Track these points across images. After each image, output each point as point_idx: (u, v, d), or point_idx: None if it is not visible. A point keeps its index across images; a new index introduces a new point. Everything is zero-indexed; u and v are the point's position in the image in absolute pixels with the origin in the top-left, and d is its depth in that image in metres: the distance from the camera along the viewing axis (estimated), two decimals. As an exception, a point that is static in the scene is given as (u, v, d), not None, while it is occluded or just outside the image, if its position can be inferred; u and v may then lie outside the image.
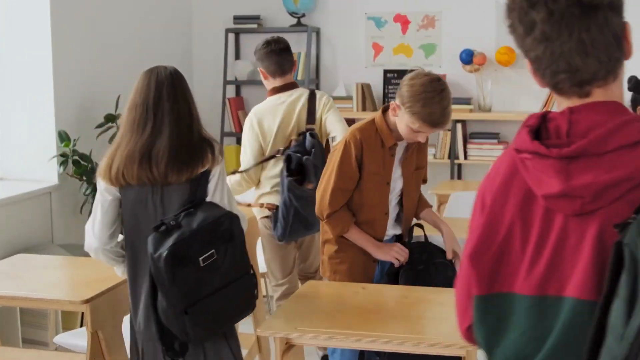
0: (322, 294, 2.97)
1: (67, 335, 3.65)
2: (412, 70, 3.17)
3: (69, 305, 2.85)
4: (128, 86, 5.67)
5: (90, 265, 3.37)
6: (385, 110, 3.25)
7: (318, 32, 6.61)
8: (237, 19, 6.63)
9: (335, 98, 6.42)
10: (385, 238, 3.31)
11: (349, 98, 6.39)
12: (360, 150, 3.16)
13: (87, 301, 2.78)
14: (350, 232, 3.22)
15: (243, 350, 4.25)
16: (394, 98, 6.28)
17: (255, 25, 6.58)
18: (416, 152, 3.35)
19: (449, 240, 3.32)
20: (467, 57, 6.12)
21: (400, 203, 3.35)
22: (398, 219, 3.38)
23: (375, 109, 6.43)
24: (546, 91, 6.03)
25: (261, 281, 4.62)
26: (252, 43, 6.74)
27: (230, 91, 6.76)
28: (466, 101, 6.19)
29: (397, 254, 3.21)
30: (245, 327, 4.42)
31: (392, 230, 3.35)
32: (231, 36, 6.72)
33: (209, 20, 6.82)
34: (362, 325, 2.58)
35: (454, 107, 6.07)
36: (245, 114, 6.69)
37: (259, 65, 4.28)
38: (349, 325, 2.57)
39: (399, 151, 3.29)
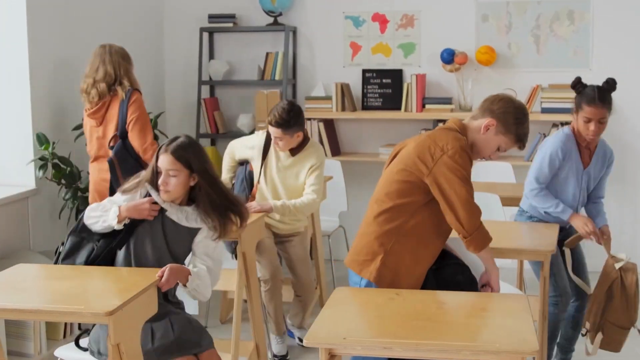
0: (355, 301, 2.86)
1: (69, 347, 3.46)
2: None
3: (91, 318, 2.68)
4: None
5: (96, 276, 3.20)
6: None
7: (295, 32, 6.50)
8: (212, 17, 6.47)
9: (314, 98, 6.34)
10: None
11: (328, 98, 6.28)
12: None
13: (111, 313, 2.63)
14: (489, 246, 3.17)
15: (242, 359, 4.15)
16: (373, 98, 6.33)
17: (230, 24, 6.43)
18: None
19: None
20: (449, 57, 6.09)
21: None
22: None
23: (354, 109, 6.36)
24: (527, 91, 6.04)
25: (260, 288, 4.50)
26: (226, 42, 6.61)
27: (204, 91, 6.59)
28: (447, 101, 6.15)
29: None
30: (244, 335, 4.30)
31: None
32: (205, 35, 6.55)
33: (182, 19, 6.64)
34: (412, 333, 2.49)
35: (434, 106, 6.14)
36: (221, 115, 6.57)
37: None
38: (398, 333, 2.48)
39: None
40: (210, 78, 6.55)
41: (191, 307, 3.59)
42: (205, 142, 6.61)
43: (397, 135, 6.33)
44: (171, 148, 3.18)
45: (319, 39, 6.48)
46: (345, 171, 6.05)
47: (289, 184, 4.50)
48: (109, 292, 2.89)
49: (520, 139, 3.18)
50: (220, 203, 3.25)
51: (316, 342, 2.42)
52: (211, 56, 6.62)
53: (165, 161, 3.17)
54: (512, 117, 3.14)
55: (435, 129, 3.28)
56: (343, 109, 6.30)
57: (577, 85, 3.98)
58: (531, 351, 2.33)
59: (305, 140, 4.49)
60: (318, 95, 6.35)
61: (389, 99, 6.33)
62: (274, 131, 4.36)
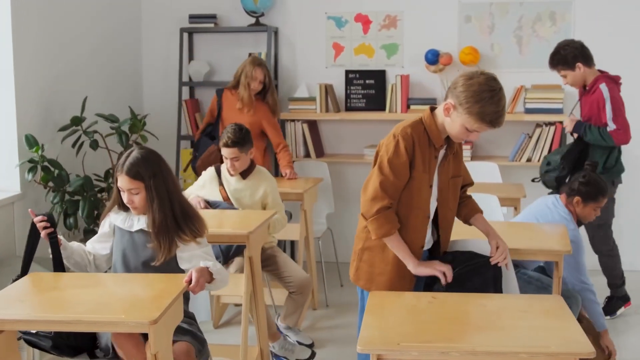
0: (394, 305, 2.80)
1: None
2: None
3: (134, 327, 2.57)
4: (88, 88, 5.41)
5: (116, 283, 3.10)
6: (432, 110, 3.13)
7: (277, 32, 6.43)
8: (193, 17, 6.36)
9: (297, 99, 6.28)
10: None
11: (311, 99, 6.23)
12: (412, 146, 3.04)
13: (155, 322, 2.54)
14: (394, 236, 3.05)
15: (247, 364, 4.08)
16: (356, 99, 6.30)
17: (211, 25, 6.33)
18: (452, 159, 3.23)
19: (493, 236, 3.24)
20: (433, 57, 6.09)
21: (436, 212, 3.25)
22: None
23: (339, 110, 6.32)
24: (511, 91, 6.07)
25: (266, 291, 4.43)
26: (207, 43, 6.52)
27: (185, 93, 6.49)
28: (431, 101, 6.15)
29: (441, 268, 3.08)
30: (248, 340, 4.23)
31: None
32: (185, 36, 6.44)
33: (162, 19, 6.52)
34: (464, 337, 2.46)
35: (419, 107, 6.13)
36: (202, 116, 6.47)
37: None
38: (450, 337, 2.45)
39: (439, 156, 3.18)
40: (191, 79, 6.44)
41: (203, 314, 3.52)
42: (186, 144, 6.50)
43: (381, 136, 6.14)
44: (125, 168, 3.14)
45: (301, 39, 6.43)
46: (330, 173, 6.02)
47: (245, 203, 4.57)
48: (140, 300, 2.80)
49: (482, 118, 2.93)
50: (169, 221, 3.15)
51: (370, 349, 2.37)
52: (191, 57, 6.52)
53: (123, 182, 3.16)
54: (466, 97, 2.93)
55: None
56: (327, 110, 6.25)
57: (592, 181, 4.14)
58: (587, 353, 2.32)
59: (252, 164, 4.64)
60: (301, 96, 6.30)
61: (372, 100, 6.31)
62: (230, 152, 4.47)
